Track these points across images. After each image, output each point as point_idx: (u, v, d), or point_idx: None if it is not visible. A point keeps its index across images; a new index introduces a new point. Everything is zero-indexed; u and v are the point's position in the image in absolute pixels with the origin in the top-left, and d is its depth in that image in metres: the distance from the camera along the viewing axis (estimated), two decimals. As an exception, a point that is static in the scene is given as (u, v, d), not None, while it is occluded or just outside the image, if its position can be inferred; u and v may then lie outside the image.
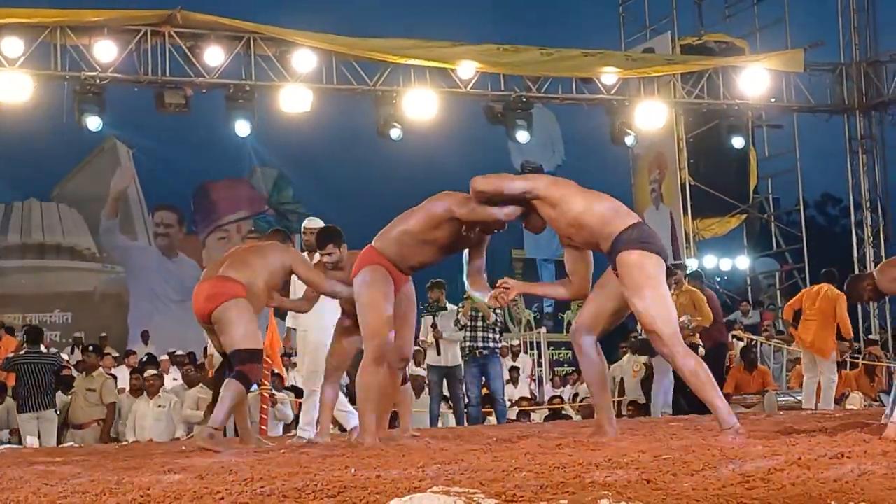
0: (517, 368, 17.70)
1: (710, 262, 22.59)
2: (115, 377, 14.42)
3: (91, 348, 13.91)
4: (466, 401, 13.56)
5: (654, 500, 2.98)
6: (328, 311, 8.76)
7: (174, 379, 15.57)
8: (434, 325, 13.30)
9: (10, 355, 13.83)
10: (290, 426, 13.75)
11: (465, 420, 13.37)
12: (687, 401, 13.37)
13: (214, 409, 8.10)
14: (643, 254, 6.11)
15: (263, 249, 8.35)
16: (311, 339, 9.58)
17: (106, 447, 10.39)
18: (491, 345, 13.18)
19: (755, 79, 19.37)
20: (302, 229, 10.24)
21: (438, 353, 13.32)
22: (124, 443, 12.03)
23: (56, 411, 13.20)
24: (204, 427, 8.20)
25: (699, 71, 19.65)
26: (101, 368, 13.87)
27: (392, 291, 6.87)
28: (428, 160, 22.71)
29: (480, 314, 12.96)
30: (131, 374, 14.73)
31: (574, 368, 18.53)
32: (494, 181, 6.58)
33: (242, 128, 16.90)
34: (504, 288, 6.53)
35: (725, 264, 23.35)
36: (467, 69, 17.59)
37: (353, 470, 4.41)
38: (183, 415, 13.27)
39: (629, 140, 19.26)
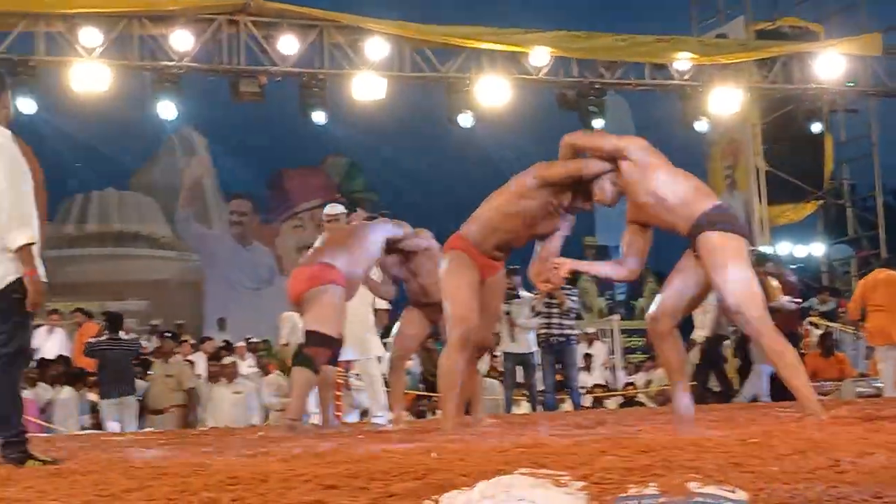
0: (591, 356, 17.66)
1: (785, 248, 22.37)
2: (192, 363, 14.62)
3: (168, 334, 14.11)
4: (541, 388, 13.56)
5: (744, 483, 2.97)
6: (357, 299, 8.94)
7: (249, 366, 15.74)
8: (507, 313, 13.31)
9: (92, 341, 14.08)
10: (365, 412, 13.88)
11: (540, 407, 13.38)
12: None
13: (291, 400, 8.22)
14: (725, 234, 6.04)
15: (359, 232, 8.45)
16: (355, 328, 9.72)
17: (186, 432, 10.54)
18: (567, 332, 13.15)
19: (831, 63, 19.11)
20: (323, 216, 10.30)
21: (513, 340, 13.33)
22: (203, 428, 12.18)
23: (137, 397, 13.42)
24: (284, 418, 8.29)
25: (774, 56, 19.43)
26: (178, 355, 14.06)
27: (474, 277, 6.86)
28: (500, 147, 22.71)
29: (556, 301, 12.92)
30: (209, 360, 14.91)
31: (647, 356, 18.42)
32: (591, 136, 6.62)
33: (318, 116, 16.94)
34: (554, 267, 6.50)
35: (800, 251, 23.11)
36: (540, 55, 17.53)
37: (434, 454, 4.43)
38: (266, 401, 13.40)
39: (702, 126, 19.11)
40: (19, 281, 5.58)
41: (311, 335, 7.98)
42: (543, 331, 13.11)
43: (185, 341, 16.54)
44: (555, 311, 13.05)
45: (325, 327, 7.93)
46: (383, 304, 10.60)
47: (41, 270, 5.72)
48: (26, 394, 12.92)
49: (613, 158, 6.40)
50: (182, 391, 13.71)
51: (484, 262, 6.88)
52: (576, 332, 13.96)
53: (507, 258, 7.08)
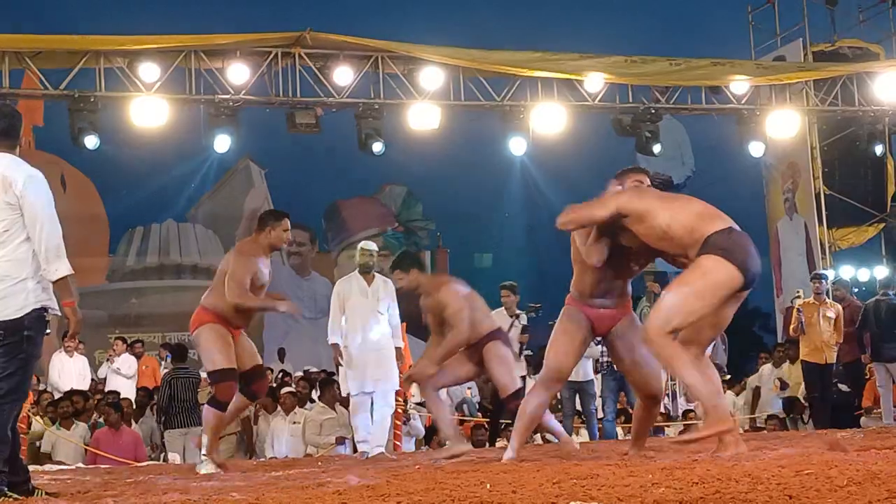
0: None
1: (848, 272, 22.05)
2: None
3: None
4: (601, 415, 13.43)
5: (798, 517, 2.92)
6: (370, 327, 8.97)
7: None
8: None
9: (166, 371, 14.24)
10: (422, 441, 13.86)
11: (598, 435, 13.27)
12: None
13: None
14: (719, 260, 5.83)
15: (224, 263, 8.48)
16: (353, 355, 9.83)
17: (245, 463, 10.57)
18: None
19: (891, 84, 18.85)
20: (359, 251, 10.52)
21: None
22: (262, 459, 12.21)
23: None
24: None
25: (833, 77, 19.24)
26: None
27: (578, 323, 6.82)
28: (557, 174, 22.66)
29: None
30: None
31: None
32: (578, 212, 6.49)
33: (376, 146, 16.96)
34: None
35: (863, 274, 22.78)
36: (595, 81, 17.47)
37: (489, 485, 4.41)
38: (307, 439, 13.37)
39: (760, 150, 18.94)
40: (37, 313, 5.63)
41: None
42: (606, 358, 12.92)
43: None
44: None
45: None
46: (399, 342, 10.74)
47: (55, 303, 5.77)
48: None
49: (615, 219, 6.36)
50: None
51: (593, 313, 6.83)
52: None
53: (619, 302, 6.89)
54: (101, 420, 13.30)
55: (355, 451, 11.09)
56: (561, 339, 6.87)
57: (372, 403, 10.40)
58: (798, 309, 13.53)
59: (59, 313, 5.86)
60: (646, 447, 6.87)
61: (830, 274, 20.62)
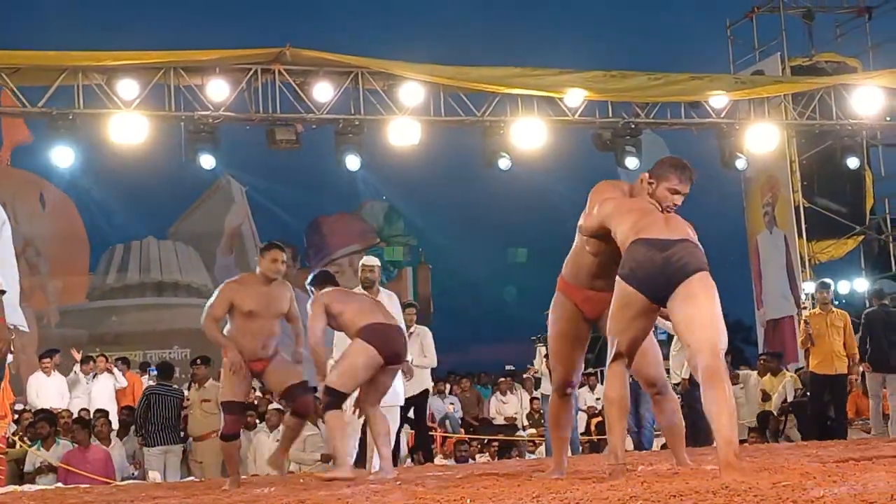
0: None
1: (814, 287, 22.15)
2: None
3: (199, 361, 14.08)
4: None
5: (774, 528, 2.92)
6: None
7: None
8: (547, 356, 13.19)
9: (146, 387, 14.21)
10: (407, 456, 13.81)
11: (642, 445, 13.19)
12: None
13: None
14: (619, 282, 5.75)
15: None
16: None
17: (224, 482, 10.51)
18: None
19: (869, 98, 18.97)
20: (360, 267, 10.51)
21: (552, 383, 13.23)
22: (244, 477, 12.15)
23: (183, 446, 13.43)
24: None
25: (811, 91, 19.34)
26: (212, 379, 14.04)
27: (568, 315, 6.64)
28: (537, 189, 22.71)
29: None
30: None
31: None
32: (583, 220, 6.38)
33: (353, 162, 17.03)
34: None
35: (843, 287, 22.85)
36: (575, 97, 17.53)
37: (469, 501, 4.40)
38: (292, 455, 13.32)
39: (740, 164, 19.01)
40: None
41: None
42: None
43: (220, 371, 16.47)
44: None
45: None
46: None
47: (16, 318, 5.64)
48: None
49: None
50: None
51: (581, 296, 6.58)
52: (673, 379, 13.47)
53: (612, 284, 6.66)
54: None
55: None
56: (558, 344, 6.75)
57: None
58: (805, 321, 13.41)
59: (26, 329, 5.76)
60: (683, 457, 6.65)
61: (811, 287, 20.70)
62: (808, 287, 20.86)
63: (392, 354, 8.15)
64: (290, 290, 8.92)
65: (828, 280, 14.77)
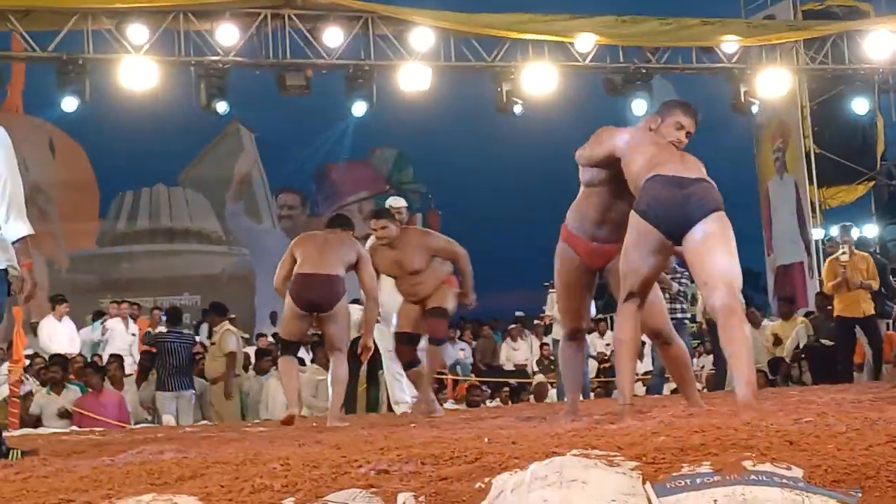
0: (644, 343, 17.49)
1: (838, 230, 22.11)
2: (233, 331, 14.52)
3: (211, 307, 14.15)
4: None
5: (799, 461, 2.94)
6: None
7: (301, 358, 15.70)
8: (558, 302, 13.19)
9: (152, 331, 14.21)
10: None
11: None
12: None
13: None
14: (633, 216, 5.72)
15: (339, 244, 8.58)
16: (389, 312, 9.83)
17: (240, 425, 10.58)
18: (678, 315, 12.69)
19: (881, 42, 18.85)
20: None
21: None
22: (256, 421, 12.23)
23: (194, 392, 13.50)
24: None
25: (822, 36, 19.22)
26: (223, 322, 14.10)
27: (572, 266, 6.59)
28: (548, 135, 22.55)
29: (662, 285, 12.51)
30: (258, 355, 14.93)
31: (699, 341, 18.20)
32: (586, 147, 6.29)
33: (359, 108, 17.02)
34: None
35: (854, 233, 22.84)
36: (585, 42, 17.45)
37: (486, 439, 4.42)
38: (305, 402, 13.38)
39: (751, 109, 18.95)
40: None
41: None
42: None
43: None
44: (665, 295, 12.73)
45: None
46: None
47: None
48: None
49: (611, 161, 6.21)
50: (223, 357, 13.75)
51: (584, 247, 6.44)
52: (688, 315, 13.42)
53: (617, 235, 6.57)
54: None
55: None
56: (564, 293, 6.74)
57: None
58: (843, 266, 13.23)
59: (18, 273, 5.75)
60: (696, 399, 6.65)
61: (820, 233, 20.69)
62: (817, 233, 20.86)
63: (304, 303, 8.34)
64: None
65: (849, 223, 14.70)
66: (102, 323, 16.12)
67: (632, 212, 5.73)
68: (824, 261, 18.92)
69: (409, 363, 9.05)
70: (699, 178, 5.69)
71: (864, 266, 13.15)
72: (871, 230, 22.75)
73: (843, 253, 13.08)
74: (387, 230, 8.72)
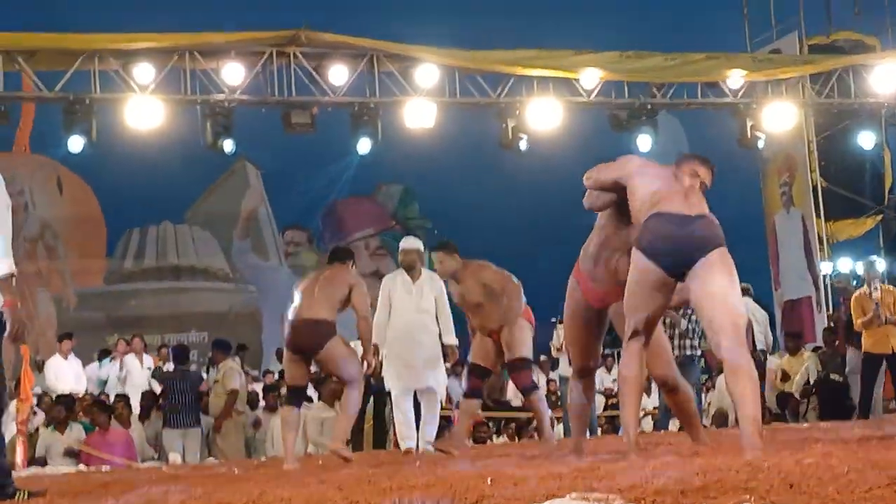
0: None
1: (846, 265, 22.03)
2: (237, 369, 14.51)
3: (215, 345, 14.16)
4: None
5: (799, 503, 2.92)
6: (414, 324, 9.17)
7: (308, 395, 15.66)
8: (566, 338, 13.18)
9: (162, 366, 14.24)
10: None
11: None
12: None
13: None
14: (636, 253, 5.72)
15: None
16: (397, 353, 9.85)
17: (246, 463, 10.56)
18: (688, 352, 12.71)
19: (887, 76, 18.84)
20: (400, 249, 10.52)
21: (571, 365, 13.20)
22: (263, 458, 12.20)
23: (202, 430, 13.48)
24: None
25: (828, 70, 19.23)
26: (226, 360, 14.08)
27: (579, 303, 6.56)
28: (553, 170, 22.57)
29: (668, 320, 12.51)
30: (266, 391, 14.90)
31: (707, 376, 18.13)
32: (595, 171, 6.27)
33: (366, 145, 17.07)
34: None
35: (861, 267, 22.79)
36: (590, 77, 17.48)
37: (489, 479, 4.40)
38: (311, 439, 13.34)
39: (757, 143, 18.94)
40: None
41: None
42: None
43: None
44: (675, 332, 12.73)
45: None
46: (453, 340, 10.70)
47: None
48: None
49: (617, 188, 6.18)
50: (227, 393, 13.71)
51: (586, 288, 6.46)
52: (698, 352, 13.39)
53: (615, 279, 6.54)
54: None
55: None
56: (572, 327, 6.70)
57: (415, 401, 10.42)
58: (876, 302, 13.15)
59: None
60: (702, 438, 6.61)
61: (828, 267, 20.65)
62: (825, 267, 20.82)
63: (293, 347, 8.45)
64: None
65: (874, 257, 14.69)
66: (111, 360, 16.12)
67: (634, 249, 5.73)
68: (832, 295, 18.93)
69: (471, 392, 9.24)
70: (700, 214, 5.69)
71: (891, 300, 13.10)
72: (880, 264, 22.67)
73: (876, 289, 13.03)
74: (443, 265, 8.90)
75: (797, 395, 14.98)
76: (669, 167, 6.07)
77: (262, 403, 14.60)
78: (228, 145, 16.53)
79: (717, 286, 5.49)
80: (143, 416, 13.94)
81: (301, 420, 8.91)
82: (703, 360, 13.72)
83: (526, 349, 9.04)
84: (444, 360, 10.58)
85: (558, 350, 13.57)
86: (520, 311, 9.04)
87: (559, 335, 13.27)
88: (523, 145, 17.54)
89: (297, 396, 8.74)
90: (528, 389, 9.24)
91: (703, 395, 17.41)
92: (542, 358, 18.42)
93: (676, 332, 12.69)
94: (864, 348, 13.34)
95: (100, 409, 12.98)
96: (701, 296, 5.55)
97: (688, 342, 12.65)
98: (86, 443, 12.59)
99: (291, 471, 7.74)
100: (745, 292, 14.68)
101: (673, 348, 12.60)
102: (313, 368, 17.24)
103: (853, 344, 14.27)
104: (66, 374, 15.37)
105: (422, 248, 10.44)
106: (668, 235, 5.57)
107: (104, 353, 16.87)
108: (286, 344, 8.48)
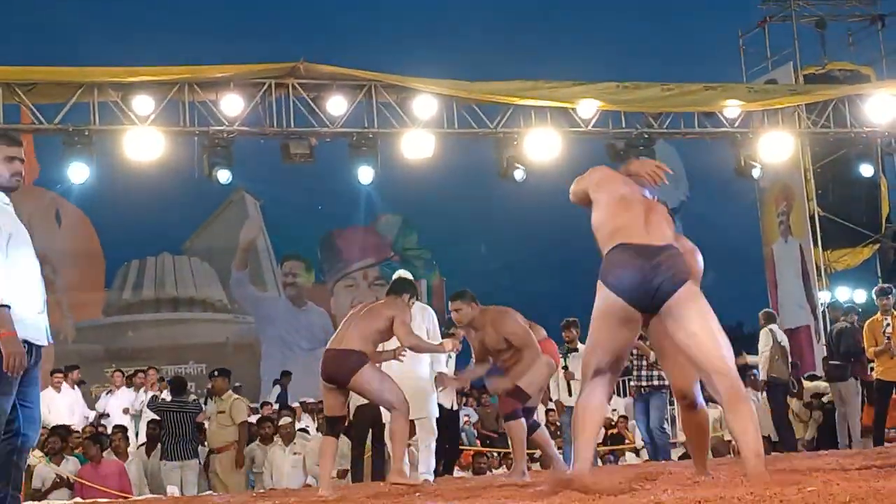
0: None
1: (844, 294, 22.05)
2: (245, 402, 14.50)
3: (216, 373, 14.11)
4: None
5: (801, 533, 2.91)
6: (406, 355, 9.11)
7: (305, 426, 15.67)
8: (565, 367, 13.22)
9: (156, 396, 14.23)
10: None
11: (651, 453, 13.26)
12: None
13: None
14: (600, 287, 5.60)
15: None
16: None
17: (245, 496, 10.52)
18: (655, 382, 12.85)
19: (883, 106, 18.93)
20: (392, 280, 10.55)
21: (570, 395, 13.23)
22: (261, 491, 12.16)
23: (199, 462, 13.44)
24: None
25: (824, 100, 19.31)
26: (230, 391, 14.03)
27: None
28: (551, 200, 22.61)
29: (637, 352, 12.67)
30: (260, 422, 14.87)
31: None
32: (571, 188, 6.26)
33: (367, 175, 17.10)
34: None
35: (860, 296, 22.76)
36: (588, 108, 17.55)
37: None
38: (309, 469, 13.32)
39: (754, 173, 18.99)
40: None
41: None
42: (634, 383, 13.15)
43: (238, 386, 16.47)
44: (643, 363, 12.86)
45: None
46: (443, 368, 10.77)
47: (29, 333, 5.63)
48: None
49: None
50: (235, 426, 13.63)
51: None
52: (665, 382, 13.52)
53: None
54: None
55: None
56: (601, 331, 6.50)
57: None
58: (886, 333, 13.19)
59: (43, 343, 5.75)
60: (705, 467, 6.58)
61: (826, 296, 20.67)
62: (824, 296, 20.83)
63: (324, 376, 8.46)
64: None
65: (887, 286, 14.76)
66: (108, 393, 16.11)
67: (599, 282, 5.65)
68: (830, 325, 18.95)
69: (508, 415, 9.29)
70: (665, 245, 5.65)
71: None
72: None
73: (889, 325, 13.09)
74: (460, 313, 8.85)
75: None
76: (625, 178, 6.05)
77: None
78: (226, 176, 16.55)
79: (697, 325, 5.42)
80: (150, 447, 13.89)
81: (336, 448, 8.89)
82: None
83: (528, 384, 9.01)
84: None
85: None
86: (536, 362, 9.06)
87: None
88: (520, 175, 17.57)
89: (334, 425, 8.67)
90: (507, 416, 9.22)
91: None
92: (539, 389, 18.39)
93: (644, 362, 12.82)
94: (876, 375, 13.44)
95: (92, 442, 12.94)
96: (684, 339, 5.46)
97: (655, 373, 12.78)
98: (78, 475, 12.56)
99: (291, 501, 7.73)
100: (771, 319, 14.93)
101: (641, 378, 12.78)
102: (311, 399, 17.33)
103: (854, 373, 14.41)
104: (59, 407, 15.34)
105: (412, 278, 10.47)
106: (633, 269, 5.49)
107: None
108: (320, 373, 8.49)
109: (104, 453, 13.15)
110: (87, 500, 11.07)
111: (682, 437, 16.19)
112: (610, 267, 5.59)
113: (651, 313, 5.56)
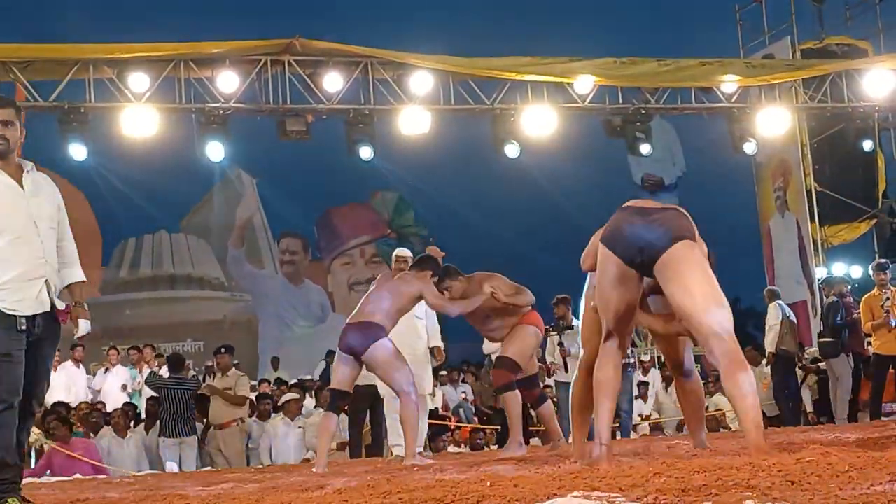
0: (646, 384, 17.43)
1: (840, 269, 22.06)
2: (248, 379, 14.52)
3: (223, 349, 14.09)
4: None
5: (801, 501, 2.92)
6: (405, 331, 9.12)
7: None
8: (560, 344, 13.23)
9: (154, 373, 14.22)
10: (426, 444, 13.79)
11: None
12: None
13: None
14: (600, 247, 5.68)
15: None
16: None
17: (245, 471, 10.55)
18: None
19: (880, 80, 18.89)
20: (393, 258, 10.55)
21: (567, 371, 13.25)
22: (260, 466, 12.19)
23: (197, 437, 13.44)
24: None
25: (821, 75, 19.27)
26: (234, 368, 14.03)
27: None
28: (548, 176, 22.63)
29: None
30: (259, 398, 14.88)
31: (705, 380, 18.15)
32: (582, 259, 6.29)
33: (363, 152, 17.04)
34: None
35: (856, 271, 22.79)
36: (585, 83, 17.51)
37: (489, 482, 4.41)
38: (307, 443, 13.35)
39: (751, 148, 18.96)
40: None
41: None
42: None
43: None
44: None
45: None
46: (439, 342, 10.81)
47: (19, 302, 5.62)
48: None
49: None
50: (239, 403, 13.66)
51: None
52: (631, 360, 13.72)
53: None
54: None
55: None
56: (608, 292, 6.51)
57: None
58: (885, 307, 13.18)
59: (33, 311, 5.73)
60: (702, 437, 6.61)
61: (823, 271, 20.68)
62: (820, 272, 20.84)
63: (342, 347, 8.51)
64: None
65: (883, 260, 14.75)
66: (105, 371, 16.09)
67: (598, 242, 5.70)
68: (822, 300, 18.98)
69: (501, 387, 9.23)
70: (668, 207, 5.67)
71: None
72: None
73: (888, 299, 13.07)
74: (452, 290, 8.89)
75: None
76: None
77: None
78: (222, 153, 16.52)
79: (695, 287, 5.34)
80: (150, 424, 13.90)
81: (336, 425, 8.89)
82: (699, 365, 13.81)
83: (516, 351, 8.99)
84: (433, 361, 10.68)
85: (552, 362, 13.63)
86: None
87: (553, 342, 13.31)
88: (518, 151, 17.55)
89: (338, 400, 8.69)
90: (500, 389, 9.22)
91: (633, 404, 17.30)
92: (539, 365, 18.41)
93: None
94: (874, 349, 13.45)
95: (60, 423, 12.80)
96: (680, 301, 5.39)
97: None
98: (48, 456, 12.45)
99: (292, 475, 7.75)
100: (775, 296, 14.99)
101: None
102: (309, 376, 17.34)
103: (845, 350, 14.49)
104: (55, 386, 15.29)
105: (411, 256, 10.46)
106: (628, 224, 5.51)
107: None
108: (338, 344, 8.56)
109: (90, 433, 13.22)
110: (88, 477, 11.06)
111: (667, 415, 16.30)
112: (608, 226, 5.66)
113: (644, 271, 5.53)
